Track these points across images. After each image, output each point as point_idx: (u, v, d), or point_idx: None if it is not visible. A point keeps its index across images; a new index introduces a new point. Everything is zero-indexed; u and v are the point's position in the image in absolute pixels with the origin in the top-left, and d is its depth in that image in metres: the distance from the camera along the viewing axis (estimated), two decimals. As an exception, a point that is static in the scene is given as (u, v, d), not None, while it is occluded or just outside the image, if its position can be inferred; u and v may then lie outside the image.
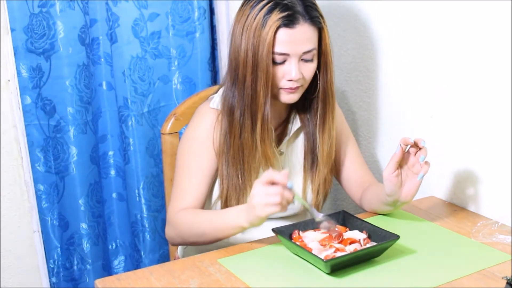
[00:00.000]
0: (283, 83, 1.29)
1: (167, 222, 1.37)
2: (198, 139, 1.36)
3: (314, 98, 1.37)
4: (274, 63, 1.27)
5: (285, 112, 1.41)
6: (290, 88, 1.29)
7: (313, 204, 1.41)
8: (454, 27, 1.39)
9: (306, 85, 1.33)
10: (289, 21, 1.25)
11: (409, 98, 1.55)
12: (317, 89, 1.35)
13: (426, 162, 1.23)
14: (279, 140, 1.41)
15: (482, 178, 1.39)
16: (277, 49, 1.26)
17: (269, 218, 1.39)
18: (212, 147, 1.35)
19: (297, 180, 1.42)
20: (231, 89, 1.32)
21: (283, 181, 1.13)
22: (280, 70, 1.28)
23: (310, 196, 1.41)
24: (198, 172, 1.35)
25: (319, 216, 1.23)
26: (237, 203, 1.34)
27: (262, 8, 1.26)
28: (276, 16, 1.24)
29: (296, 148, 1.43)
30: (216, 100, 1.37)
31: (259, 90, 1.28)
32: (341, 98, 1.75)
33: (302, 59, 1.28)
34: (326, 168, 1.41)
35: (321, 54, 1.32)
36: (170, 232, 1.36)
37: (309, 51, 1.28)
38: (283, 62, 1.28)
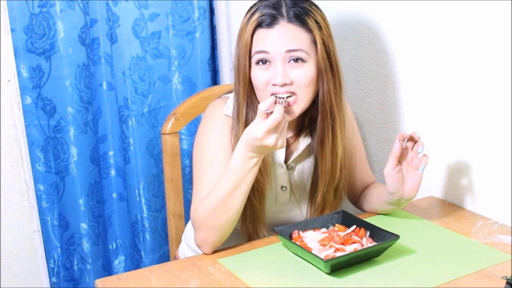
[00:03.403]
0: (270, 89, 1.22)
1: (194, 231, 1.27)
2: (214, 142, 1.31)
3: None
4: (259, 64, 1.23)
5: (296, 126, 1.35)
6: (280, 92, 1.21)
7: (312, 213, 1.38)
8: (454, 27, 1.39)
9: (302, 95, 1.23)
10: (268, 21, 1.21)
11: (409, 98, 1.56)
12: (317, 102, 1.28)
13: (425, 155, 1.24)
14: (290, 153, 1.35)
15: (482, 178, 1.39)
16: (256, 47, 1.23)
17: (269, 220, 1.38)
18: (230, 148, 1.29)
19: (304, 197, 1.37)
20: (234, 106, 1.31)
21: (283, 110, 1.12)
22: (265, 74, 1.23)
23: (312, 215, 1.37)
24: (216, 175, 1.27)
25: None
26: (251, 208, 1.30)
27: (248, 12, 1.26)
28: (256, 16, 1.22)
29: (306, 166, 1.36)
30: (230, 107, 1.32)
31: (239, 91, 1.26)
32: (341, 98, 1.75)
33: (290, 62, 1.22)
34: (331, 189, 1.33)
35: (317, 61, 1.24)
36: (199, 235, 1.24)
37: (293, 50, 1.21)
38: (269, 65, 1.22)
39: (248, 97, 1.27)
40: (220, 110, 1.33)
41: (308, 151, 1.35)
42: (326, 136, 1.29)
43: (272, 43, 1.21)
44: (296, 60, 1.22)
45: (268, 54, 1.22)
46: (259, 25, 1.23)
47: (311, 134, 1.34)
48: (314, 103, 1.29)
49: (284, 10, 1.22)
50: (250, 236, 1.33)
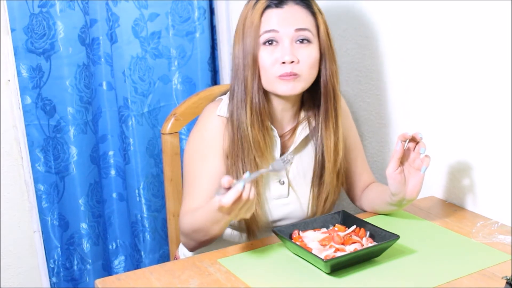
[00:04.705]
0: (278, 69, 1.25)
1: (180, 230, 1.36)
2: (205, 144, 1.33)
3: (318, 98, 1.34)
4: (266, 44, 1.26)
5: (294, 118, 1.38)
6: (286, 74, 1.25)
7: (319, 212, 1.38)
8: (454, 27, 1.39)
9: (305, 76, 1.27)
10: (276, 2, 1.26)
11: (409, 98, 1.56)
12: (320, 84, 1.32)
13: (427, 155, 1.24)
14: (286, 147, 1.37)
15: (482, 178, 1.39)
16: (265, 27, 1.25)
17: (275, 226, 1.39)
18: (221, 151, 1.32)
19: (304, 190, 1.38)
20: (232, 95, 1.31)
21: (235, 195, 1.08)
22: (272, 54, 1.26)
23: (316, 205, 1.38)
24: (205, 177, 1.32)
25: (277, 165, 1.24)
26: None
27: (254, 2, 1.28)
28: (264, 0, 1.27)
29: (304, 157, 1.38)
30: (223, 107, 1.34)
31: (247, 74, 1.27)
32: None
33: (296, 42, 1.26)
34: (333, 173, 1.35)
35: (320, 44, 1.29)
36: (181, 238, 1.36)
37: (301, 29, 1.26)
38: (275, 45, 1.26)
39: (258, 79, 1.28)
40: (214, 111, 1.35)
41: (305, 142, 1.38)
42: (330, 117, 1.33)
43: (282, 22, 1.25)
44: (302, 41, 1.27)
45: (278, 33, 1.26)
46: (267, 6, 1.27)
47: (309, 125, 1.36)
48: (310, 92, 1.33)
49: None
50: (248, 226, 1.34)
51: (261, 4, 1.26)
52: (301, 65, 1.26)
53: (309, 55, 1.27)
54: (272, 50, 1.26)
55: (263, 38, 1.26)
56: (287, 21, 1.25)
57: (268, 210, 1.35)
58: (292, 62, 1.25)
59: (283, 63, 1.25)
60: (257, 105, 1.28)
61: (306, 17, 1.27)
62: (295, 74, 1.26)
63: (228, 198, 1.08)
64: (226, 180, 1.09)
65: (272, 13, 1.26)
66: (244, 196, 1.09)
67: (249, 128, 1.28)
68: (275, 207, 1.36)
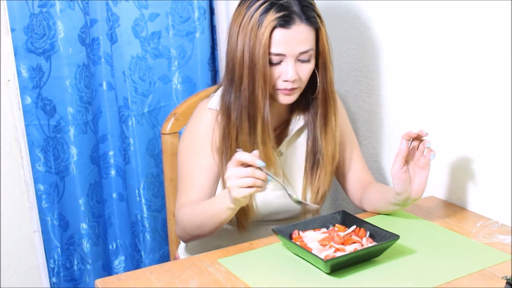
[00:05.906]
0: (279, 84, 1.29)
1: (175, 222, 1.39)
2: (197, 138, 1.36)
3: (314, 99, 1.36)
4: (271, 63, 1.27)
5: (286, 112, 1.41)
6: (286, 89, 1.29)
7: (312, 203, 1.40)
8: (454, 27, 1.39)
9: (303, 86, 1.32)
10: (284, 21, 1.24)
11: (409, 97, 1.56)
12: (317, 90, 1.34)
13: (431, 149, 1.25)
14: (279, 140, 1.40)
15: (482, 178, 1.39)
16: (273, 49, 1.26)
17: (269, 220, 1.39)
18: (211, 146, 1.35)
19: (297, 181, 1.41)
20: (228, 89, 1.32)
21: (252, 162, 1.14)
22: (276, 71, 1.28)
23: (309, 196, 1.40)
24: (199, 171, 1.35)
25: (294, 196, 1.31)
26: None
27: (258, 8, 1.25)
28: (272, 16, 1.24)
29: (297, 149, 1.41)
30: (214, 101, 1.37)
31: (257, 92, 1.27)
32: (341, 98, 1.74)
33: (298, 60, 1.28)
34: (329, 169, 1.40)
35: (319, 54, 1.31)
36: (177, 230, 1.39)
37: (305, 52, 1.27)
38: (279, 63, 1.27)
39: (266, 96, 1.29)
40: (205, 106, 1.38)
41: (298, 134, 1.40)
42: (329, 120, 1.37)
43: (288, 44, 1.26)
44: (304, 59, 1.29)
45: (284, 56, 1.27)
46: (275, 26, 1.25)
47: (303, 119, 1.39)
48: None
49: (296, 8, 1.26)
50: (238, 220, 1.36)
51: (269, 23, 1.24)
52: (300, 80, 1.30)
53: (307, 71, 1.30)
54: (277, 66, 1.28)
55: (270, 57, 1.27)
56: (293, 43, 1.26)
57: (263, 203, 1.36)
58: (295, 80, 1.28)
59: (286, 80, 1.28)
60: (267, 123, 1.30)
61: (310, 35, 1.28)
62: (294, 89, 1.30)
63: (246, 155, 1.14)
64: (256, 152, 1.16)
65: (280, 33, 1.25)
66: (253, 170, 1.14)
67: (260, 146, 1.31)
68: (270, 199, 1.37)
